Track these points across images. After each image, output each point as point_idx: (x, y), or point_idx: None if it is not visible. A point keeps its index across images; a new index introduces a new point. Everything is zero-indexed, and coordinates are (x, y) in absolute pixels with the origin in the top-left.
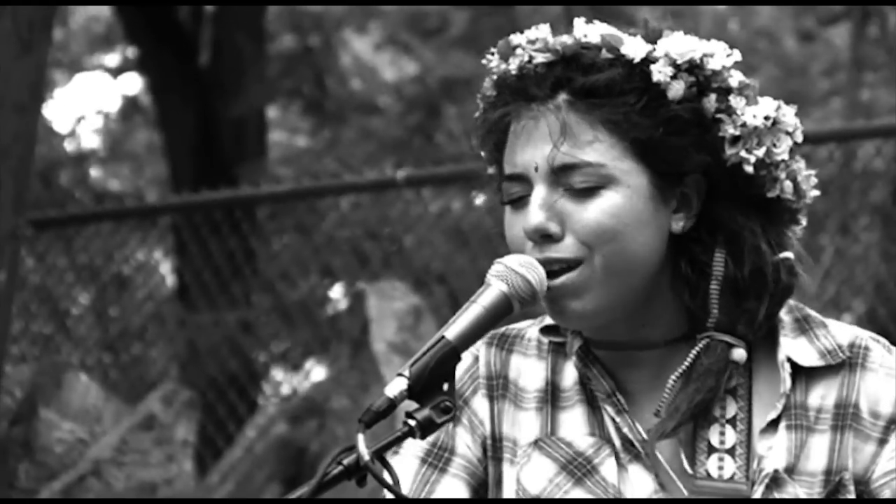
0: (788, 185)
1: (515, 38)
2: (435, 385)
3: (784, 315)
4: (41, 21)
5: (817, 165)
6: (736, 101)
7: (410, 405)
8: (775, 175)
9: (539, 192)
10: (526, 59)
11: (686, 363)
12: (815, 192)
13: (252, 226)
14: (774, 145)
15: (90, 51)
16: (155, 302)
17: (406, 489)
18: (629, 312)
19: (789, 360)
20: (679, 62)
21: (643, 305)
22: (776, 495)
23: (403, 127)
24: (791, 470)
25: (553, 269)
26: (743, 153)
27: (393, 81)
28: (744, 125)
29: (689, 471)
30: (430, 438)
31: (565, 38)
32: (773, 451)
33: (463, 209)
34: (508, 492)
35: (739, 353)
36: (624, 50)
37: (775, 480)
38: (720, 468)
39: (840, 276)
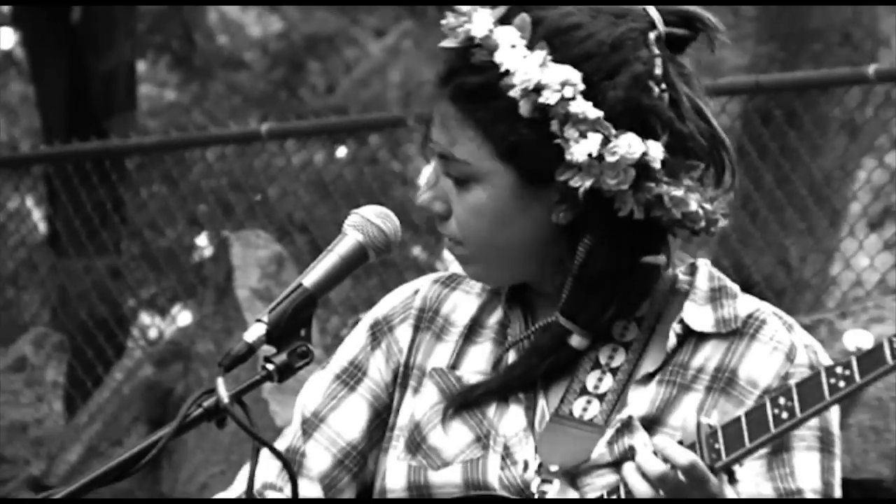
0: (638, 209)
1: (463, 9)
2: (293, 330)
3: (702, 283)
4: None
5: None
6: (569, 132)
7: (269, 350)
8: (623, 200)
9: (427, 170)
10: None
11: (521, 337)
12: (692, 208)
13: (121, 176)
14: (607, 178)
15: None
16: (27, 248)
17: (316, 401)
18: (536, 278)
19: (682, 322)
20: (530, 84)
21: (550, 272)
22: (626, 440)
23: (268, 82)
24: (655, 421)
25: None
26: (573, 181)
27: (259, 38)
28: (571, 155)
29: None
30: (349, 356)
31: (469, 28)
32: (638, 401)
33: (325, 161)
34: (403, 418)
35: (578, 341)
36: (496, 58)
37: (627, 426)
38: (584, 409)
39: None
